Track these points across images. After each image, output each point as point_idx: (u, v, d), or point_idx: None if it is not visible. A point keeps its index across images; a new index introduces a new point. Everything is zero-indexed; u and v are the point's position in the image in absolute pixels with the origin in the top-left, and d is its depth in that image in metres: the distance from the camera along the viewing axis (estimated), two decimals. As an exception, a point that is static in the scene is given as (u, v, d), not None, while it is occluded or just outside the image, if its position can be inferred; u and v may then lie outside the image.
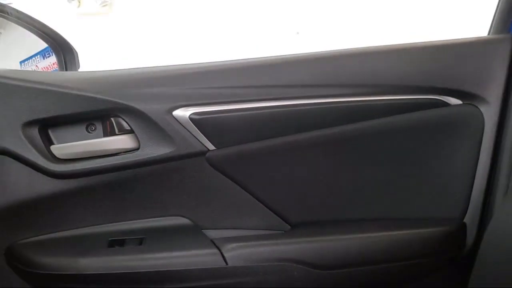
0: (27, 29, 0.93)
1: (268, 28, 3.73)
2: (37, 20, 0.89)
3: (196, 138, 0.63)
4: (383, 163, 0.67)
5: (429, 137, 0.67)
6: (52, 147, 0.63)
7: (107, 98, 0.62)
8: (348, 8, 3.58)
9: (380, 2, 3.41)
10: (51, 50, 1.00)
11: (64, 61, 0.92)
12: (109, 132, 0.64)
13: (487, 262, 0.52)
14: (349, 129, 0.65)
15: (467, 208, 0.67)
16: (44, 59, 1.08)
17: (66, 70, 0.92)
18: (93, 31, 3.65)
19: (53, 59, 1.05)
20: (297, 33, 3.76)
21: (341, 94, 0.64)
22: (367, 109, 0.65)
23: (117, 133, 0.64)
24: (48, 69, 1.06)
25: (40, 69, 1.08)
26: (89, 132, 0.64)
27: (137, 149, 0.63)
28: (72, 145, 0.63)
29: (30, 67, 1.11)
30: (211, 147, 0.64)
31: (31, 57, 1.11)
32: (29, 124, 0.61)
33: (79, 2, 4.16)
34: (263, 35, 3.69)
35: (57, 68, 1.00)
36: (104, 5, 4.06)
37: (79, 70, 0.94)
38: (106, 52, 3.78)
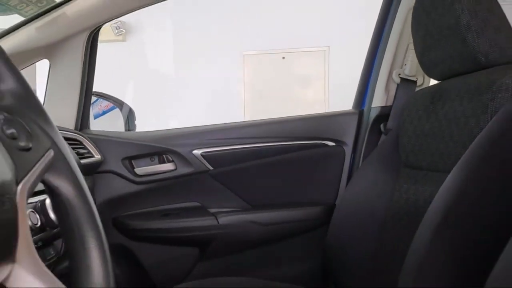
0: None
1: (260, 53, 4.46)
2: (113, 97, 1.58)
3: (204, 164, 1.32)
4: (290, 176, 1.35)
5: (317, 160, 1.35)
6: (135, 169, 1.31)
7: (160, 145, 1.31)
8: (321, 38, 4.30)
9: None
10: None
11: (126, 116, 1.61)
12: (161, 161, 1.33)
13: (336, 223, 1.21)
14: (277, 158, 1.34)
15: (336, 197, 1.35)
16: (103, 101, 1.76)
17: (128, 121, 1.61)
18: (109, 56, 4.29)
19: (106, 102, 1.74)
20: (283, 58, 4.50)
21: (272, 141, 1.33)
22: (285, 148, 1.34)
23: (165, 162, 1.32)
24: (106, 107, 1.73)
25: (103, 107, 1.75)
26: (151, 161, 1.33)
27: (175, 169, 1.31)
28: (144, 168, 1.32)
29: (98, 105, 1.77)
30: (211, 168, 1.32)
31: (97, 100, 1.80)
32: (124, 158, 1.30)
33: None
34: (258, 59, 4.42)
35: (111, 107, 1.69)
36: (119, 34, 4.74)
37: (135, 120, 1.63)
38: (120, 74, 4.47)
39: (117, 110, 1.59)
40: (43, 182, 0.44)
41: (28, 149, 0.41)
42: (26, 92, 0.48)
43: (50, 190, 0.45)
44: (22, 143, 0.40)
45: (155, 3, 1.21)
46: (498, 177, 0.61)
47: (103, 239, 0.45)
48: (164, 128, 1.46)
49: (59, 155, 0.45)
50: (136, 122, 1.72)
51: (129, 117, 1.59)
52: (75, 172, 0.47)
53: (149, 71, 4.73)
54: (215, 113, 4.47)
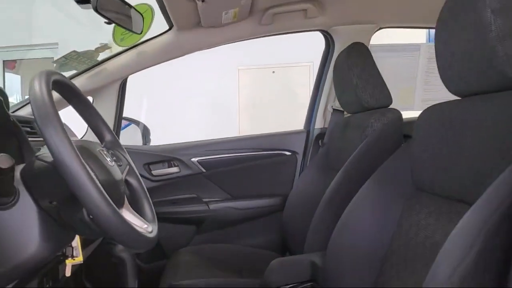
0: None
1: (253, 68, 5.07)
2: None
3: (199, 168, 1.90)
4: (259, 176, 1.94)
5: (278, 164, 1.93)
6: (152, 171, 1.90)
7: (169, 155, 1.90)
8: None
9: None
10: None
11: (142, 133, 2.20)
12: (169, 166, 1.92)
13: (289, 207, 1.79)
14: (250, 163, 1.93)
15: (291, 190, 1.93)
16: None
17: (144, 136, 2.20)
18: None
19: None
20: (273, 72, 5.10)
21: (246, 151, 1.92)
22: (256, 156, 1.93)
23: (172, 166, 1.91)
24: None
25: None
26: (163, 166, 1.92)
27: (179, 172, 1.90)
28: (158, 171, 1.91)
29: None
30: (204, 170, 1.91)
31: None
32: (144, 164, 1.89)
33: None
34: (251, 72, 5.03)
35: (127, 124, 2.29)
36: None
37: (150, 135, 2.23)
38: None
39: (133, 126, 2.19)
40: (125, 180, 1.03)
41: (120, 165, 1.00)
42: (113, 137, 1.07)
43: (127, 183, 1.04)
44: (119, 162, 1.00)
45: (175, 58, 1.78)
46: None
47: (151, 203, 1.04)
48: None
49: (130, 167, 1.05)
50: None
51: (145, 133, 2.18)
52: (137, 174, 1.06)
53: (154, 84, 5.31)
54: (215, 119, 5.08)
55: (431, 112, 0.91)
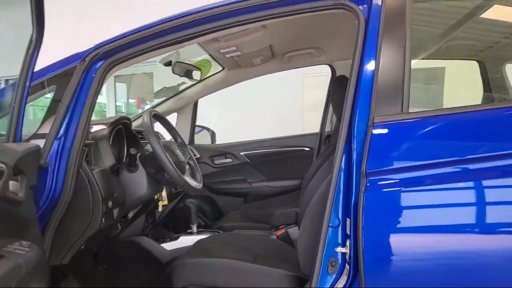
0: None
1: (316, 75, 5.87)
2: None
3: (245, 159, 2.81)
4: (287, 164, 2.79)
5: (300, 157, 2.77)
6: (214, 161, 2.85)
7: (225, 150, 2.84)
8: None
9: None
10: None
11: (210, 136, 3.17)
12: (225, 158, 2.86)
13: (303, 187, 2.63)
14: (280, 156, 2.79)
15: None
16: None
17: (212, 138, 3.17)
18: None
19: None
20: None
21: (278, 147, 2.79)
22: (285, 151, 2.79)
23: (227, 158, 2.85)
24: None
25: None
26: (221, 158, 2.86)
27: (232, 161, 2.83)
28: (218, 161, 2.85)
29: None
30: (248, 161, 2.81)
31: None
32: (209, 156, 2.84)
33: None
34: (314, 80, 5.84)
35: (199, 129, 3.27)
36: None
37: (215, 137, 3.19)
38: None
39: (205, 131, 3.14)
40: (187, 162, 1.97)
41: (184, 154, 1.95)
42: (182, 140, 2.02)
43: (188, 163, 1.98)
44: (184, 153, 1.95)
45: (226, 87, 2.72)
46: None
47: (200, 173, 1.97)
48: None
49: (190, 155, 2.00)
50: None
51: (212, 136, 3.14)
52: (193, 159, 2.01)
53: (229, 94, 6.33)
54: (281, 120, 5.98)
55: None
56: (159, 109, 2.71)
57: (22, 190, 1.05)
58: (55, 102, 1.43)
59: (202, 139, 3.05)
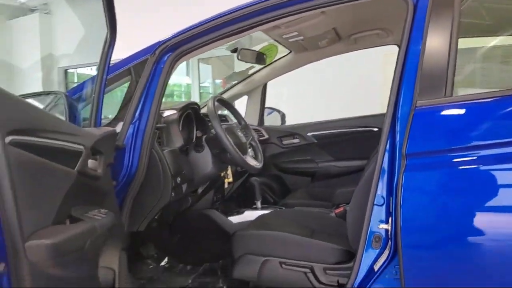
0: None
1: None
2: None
3: (313, 139, 2.90)
4: (356, 144, 2.83)
5: (368, 136, 2.79)
6: (282, 142, 2.98)
7: (292, 131, 2.95)
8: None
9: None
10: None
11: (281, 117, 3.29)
12: (293, 138, 2.98)
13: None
14: (349, 136, 2.84)
15: None
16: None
17: (282, 119, 3.28)
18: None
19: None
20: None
21: (347, 128, 2.84)
22: (354, 132, 2.83)
23: (294, 138, 2.97)
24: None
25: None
26: (288, 139, 2.98)
27: (299, 142, 2.94)
28: (286, 142, 2.98)
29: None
30: (316, 141, 2.90)
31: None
32: (277, 137, 2.97)
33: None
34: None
35: (269, 111, 3.38)
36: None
37: (285, 118, 3.30)
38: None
39: (275, 113, 3.27)
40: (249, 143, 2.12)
41: (246, 136, 2.10)
42: (245, 123, 2.17)
43: (250, 144, 2.13)
44: (246, 134, 2.10)
45: (293, 70, 2.81)
46: None
47: (261, 153, 2.12)
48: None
49: (252, 137, 2.14)
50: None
51: (282, 117, 3.25)
52: (256, 140, 2.15)
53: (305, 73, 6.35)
54: (360, 96, 5.89)
55: None
56: (229, 93, 2.89)
57: (100, 167, 1.27)
58: (129, 91, 1.64)
59: (273, 120, 3.18)
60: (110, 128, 1.43)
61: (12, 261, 0.81)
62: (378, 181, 1.29)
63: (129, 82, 1.67)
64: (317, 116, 3.10)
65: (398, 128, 1.26)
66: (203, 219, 2.21)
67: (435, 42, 1.29)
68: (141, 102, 1.61)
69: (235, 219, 2.24)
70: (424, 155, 1.23)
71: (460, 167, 1.19)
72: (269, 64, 2.80)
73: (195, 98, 6.87)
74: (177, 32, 1.66)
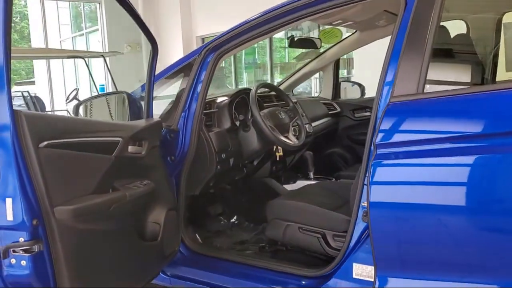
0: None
1: None
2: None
3: None
4: None
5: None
6: (355, 115, 3.14)
7: (366, 104, 3.08)
8: None
9: None
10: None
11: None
12: (366, 111, 3.11)
13: None
14: None
15: None
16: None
17: (361, 93, 3.40)
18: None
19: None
20: None
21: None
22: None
23: (368, 111, 3.09)
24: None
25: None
26: (362, 111, 3.12)
27: (371, 115, 3.07)
28: (358, 114, 3.14)
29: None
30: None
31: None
32: (350, 110, 3.15)
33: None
34: None
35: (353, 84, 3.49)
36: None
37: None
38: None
39: (356, 86, 3.38)
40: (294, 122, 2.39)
41: (291, 116, 2.38)
42: (292, 104, 2.45)
43: (297, 124, 2.41)
44: (291, 115, 2.38)
45: (360, 47, 2.93)
46: None
47: (305, 131, 2.38)
48: None
49: (299, 116, 2.41)
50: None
51: (362, 90, 3.35)
52: (301, 119, 2.42)
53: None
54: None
55: None
56: (304, 70, 3.14)
57: (144, 149, 1.72)
58: (182, 85, 2.07)
59: (350, 93, 3.33)
60: (156, 119, 1.88)
61: (46, 218, 1.30)
62: (366, 165, 1.49)
63: (182, 78, 2.10)
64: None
65: (374, 119, 1.48)
66: (261, 186, 2.60)
67: (414, 42, 1.43)
68: (190, 94, 2.02)
69: (289, 187, 2.58)
70: (392, 146, 1.41)
71: (423, 158, 1.35)
72: (338, 42, 2.95)
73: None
74: (220, 34, 2.01)
